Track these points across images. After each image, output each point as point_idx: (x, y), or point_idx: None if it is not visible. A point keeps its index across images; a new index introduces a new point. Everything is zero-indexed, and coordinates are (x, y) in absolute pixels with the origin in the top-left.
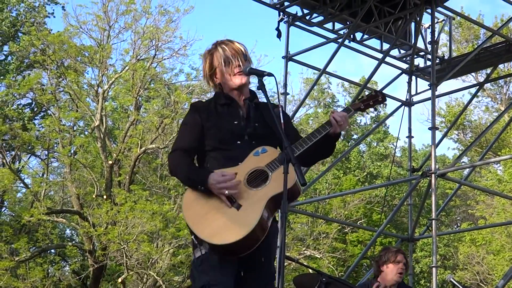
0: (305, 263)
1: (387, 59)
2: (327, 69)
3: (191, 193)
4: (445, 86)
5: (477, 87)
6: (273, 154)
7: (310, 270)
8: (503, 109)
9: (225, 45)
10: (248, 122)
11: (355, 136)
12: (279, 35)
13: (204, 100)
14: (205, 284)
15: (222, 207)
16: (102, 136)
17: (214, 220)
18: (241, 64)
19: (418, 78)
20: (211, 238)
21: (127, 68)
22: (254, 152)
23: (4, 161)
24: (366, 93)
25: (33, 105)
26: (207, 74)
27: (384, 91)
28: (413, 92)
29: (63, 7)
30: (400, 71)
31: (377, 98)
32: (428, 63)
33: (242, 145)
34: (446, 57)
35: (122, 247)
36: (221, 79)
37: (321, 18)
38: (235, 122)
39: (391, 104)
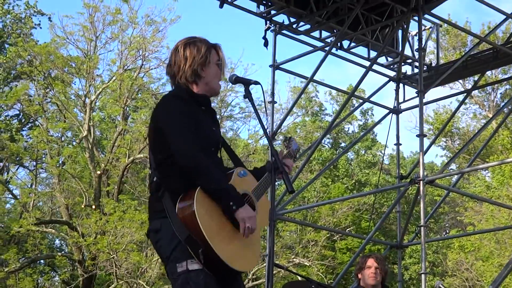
0: (294, 271)
1: (375, 66)
2: (315, 78)
3: (204, 200)
4: (433, 93)
5: (465, 94)
6: (252, 180)
7: (299, 278)
8: (490, 116)
9: (221, 49)
10: (218, 131)
11: (343, 144)
12: (266, 44)
13: (180, 93)
14: None
15: (231, 229)
16: (90, 146)
17: (228, 242)
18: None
19: (405, 86)
20: (232, 262)
21: (114, 78)
22: (238, 173)
23: None
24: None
25: (20, 116)
26: (196, 64)
27: (371, 99)
28: (400, 100)
29: (49, 18)
30: (388, 79)
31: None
32: (416, 70)
33: (217, 154)
34: (433, 65)
35: (111, 256)
36: (208, 79)
37: (308, 26)
38: (213, 129)
39: (379, 112)
